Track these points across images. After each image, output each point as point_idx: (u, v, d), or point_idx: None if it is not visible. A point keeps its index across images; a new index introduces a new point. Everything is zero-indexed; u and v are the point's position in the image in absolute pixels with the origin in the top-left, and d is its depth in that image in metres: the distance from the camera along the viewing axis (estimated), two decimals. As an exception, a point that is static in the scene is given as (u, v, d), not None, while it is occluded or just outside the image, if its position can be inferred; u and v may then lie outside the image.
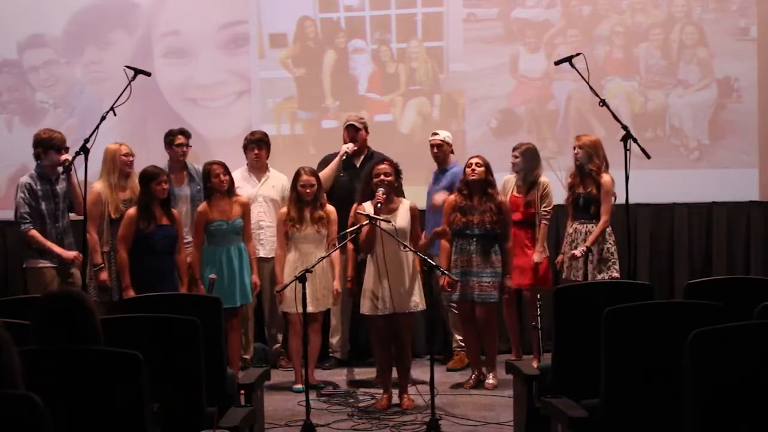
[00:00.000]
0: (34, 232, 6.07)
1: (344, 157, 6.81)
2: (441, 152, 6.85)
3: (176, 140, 6.75)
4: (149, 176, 6.07)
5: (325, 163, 6.91)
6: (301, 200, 6.20)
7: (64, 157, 6.05)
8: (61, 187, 6.19)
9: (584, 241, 6.37)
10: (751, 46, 7.53)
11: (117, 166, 6.35)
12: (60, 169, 6.06)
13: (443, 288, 6.14)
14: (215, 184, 6.24)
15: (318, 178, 6.29)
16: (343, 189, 6.79)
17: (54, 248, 6.08)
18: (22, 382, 2.49)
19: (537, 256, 6.55)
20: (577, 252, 6.30)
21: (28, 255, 6.16)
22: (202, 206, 6.32)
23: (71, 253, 6.09)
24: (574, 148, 6.49)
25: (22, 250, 6.27)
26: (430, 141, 6.87)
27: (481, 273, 6.15)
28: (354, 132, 6.85)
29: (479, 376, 6.37)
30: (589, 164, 6.39)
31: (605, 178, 6.39)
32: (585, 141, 6.47)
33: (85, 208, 5.90)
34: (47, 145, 6.11)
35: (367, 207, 5.73)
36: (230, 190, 6.30)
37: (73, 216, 6.31)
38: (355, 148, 6.83)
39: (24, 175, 6.24)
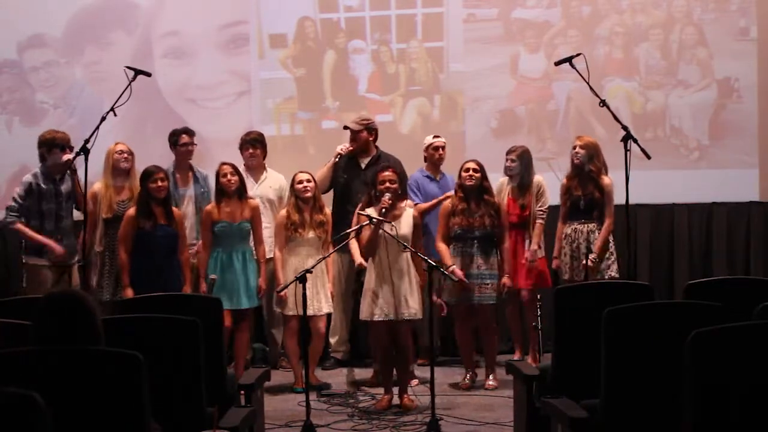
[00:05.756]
0: (20, 226, 6.09)
1: (337, 159, 6.78)
2: (444, 154, 6.84)
3: (180, 140, 6.74)
4: (145, 175, 6.08)
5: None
6: (301, 202, 6.20)
7: (66, 157, 6.09)
8: (65, 186, 6.21)
9: (586, 240, 6.37)
10: (751, 46, 7.53)
11: (110, 164, 6.37)
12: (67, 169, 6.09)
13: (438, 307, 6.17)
14: (222, 184, 6.21)
15: (315, 180, 6.30)
16: (343, 190, 6.79)
17: (42, 239, 6.07)
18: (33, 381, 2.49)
19: (530, 255, 6.55)
20: (590, 264, 6.29)
21: (25, 252, 6.17)
22: (210, 206, 6.29)
23: (59, 249, 6.08)
24: (574, 148, 6.48)
25: (22, 247, 6.27)
26: (434, 143, 6.82)
27: (482, 275, 6.18)
28: (354, 134, 6.83)
29: (474, 376, 6.38)
30: (589, 164, 6.39)
31: (607, 180, 6.40)
32: (587, 141, 6.48)
33: (85, 207, 5.91)
34: (51, 145, 6.15)
35: (370, 213, 5.71)
36: (241, 192, 6.27)
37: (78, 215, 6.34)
38: (350, 148, 6.81)
39: (28, 174, 6.24)
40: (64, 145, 6.14)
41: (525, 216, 6.63)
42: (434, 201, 6.64)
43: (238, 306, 6.17)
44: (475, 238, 6.17)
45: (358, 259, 5.92)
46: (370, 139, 6.88)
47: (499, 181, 6.72)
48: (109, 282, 6.26)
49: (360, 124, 6.84)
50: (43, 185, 6.13)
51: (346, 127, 6.86)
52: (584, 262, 6.30)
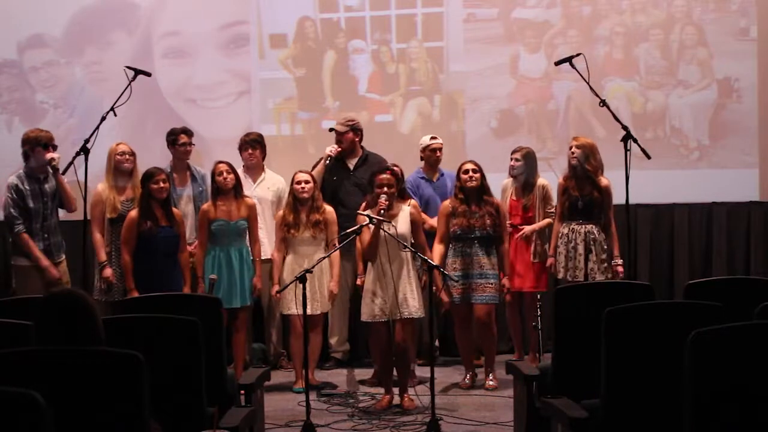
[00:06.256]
0: (26, 236, 6.05)
1: (327, 161, 6.77)
2: (441, 155, 6.85)
3: (179, 140, 6.73)
4: (146, 176, 6.09)
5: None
6: (298, 203, 6.21)
7: (50, 155, 6.05)
8: (50, 185, 6.18)
9: (584, 241, 6.34)
10: (751, 46, 7.54)
11: (112, 165, 6.37)
12: (48, 168, 6.06)
13: (442, 301, 6.17)
14: (218, 182, 6.23)
15: (314, 179, 6.30)
16: (334, 192, 6.77)
17: (42, 260, 6.04)
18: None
19: (545, 260, 6.55)
20: (621, 270, 6.29)
21: (14, 253, 6.17)
22: (206, 205, 6.32)
23: (55, 273, 6.06)
24: (570, 148, 6.47)
25: (10, 248, 6.28)
26: (431, 144, 6.80)
27: (483, 275, 6.17)
28: (339, 135, 6.83)
29: (474, 376, 6.38)
30: (586, 164, 6.38)
31: (605, 181, 6.39)
32: (583, 141, 6.48)
33: (85, 208, 5.90)
34: (34, 143, 6.11)
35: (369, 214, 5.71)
36: (237, 191, 6.28)
37: (68, 216, 6.32)
38: (339, 149, 6.81)
39: (11, 175, 6.23)
40: (47, 143, 6.10)
41: (528, 217, 6.62)
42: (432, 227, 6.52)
43: (233, 305, 6.18)
44: (476, 238, 6.17)
45: (361, 278, 5.95)
46: (356, 139, 6.88)
47: (503, 183, 6.73)
48: (120, 283, 6.25)
49: (345, 125, 6.85)
50: (27, 185, 6.10)
51: (331, 129, 6.88)
52: (614, 266, 6.30)
